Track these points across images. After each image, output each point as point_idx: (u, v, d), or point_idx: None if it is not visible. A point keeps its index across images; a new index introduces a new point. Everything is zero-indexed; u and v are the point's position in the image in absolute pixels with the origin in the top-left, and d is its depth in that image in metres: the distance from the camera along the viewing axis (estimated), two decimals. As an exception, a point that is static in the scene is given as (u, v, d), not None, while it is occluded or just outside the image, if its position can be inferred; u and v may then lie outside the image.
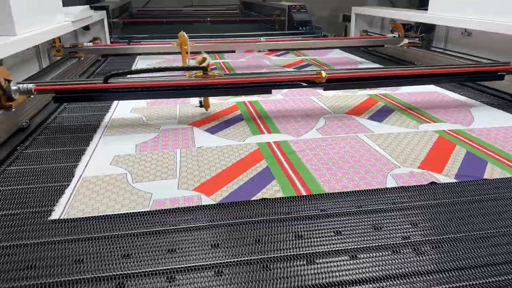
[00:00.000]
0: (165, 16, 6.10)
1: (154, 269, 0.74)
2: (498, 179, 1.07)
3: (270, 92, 1.64)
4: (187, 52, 2.11)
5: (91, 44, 2.81)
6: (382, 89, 2.02)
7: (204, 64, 1.53)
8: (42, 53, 2.15)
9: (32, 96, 1.49)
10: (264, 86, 1.60)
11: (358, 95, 1.92)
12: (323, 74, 1.53)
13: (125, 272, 0.73)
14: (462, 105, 1.75)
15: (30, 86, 1.41)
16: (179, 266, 0.75)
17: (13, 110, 1.39)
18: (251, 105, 1.79)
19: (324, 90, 1.72)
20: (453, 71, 1.67)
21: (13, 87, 1.38)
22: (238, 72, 2.19)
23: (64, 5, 2.23)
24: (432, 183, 1.05)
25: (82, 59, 2.61)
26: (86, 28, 3.02)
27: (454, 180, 1.07)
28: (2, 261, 0.76)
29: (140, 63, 2.85)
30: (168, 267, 0.74)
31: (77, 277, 0.72)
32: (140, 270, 0.74)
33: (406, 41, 2.70)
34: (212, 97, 1.89)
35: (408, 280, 0.70)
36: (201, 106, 1.67)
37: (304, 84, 1.60)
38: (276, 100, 1.87)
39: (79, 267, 0.75)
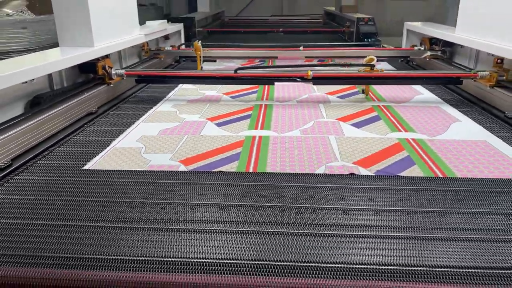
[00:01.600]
0: (251, 25, 6.69)
1: (128, 200, 1.20)
2: (407, 177, 1.32)
3: (273, 84, 2.32)
4: (200, 57, 2.70)
5: (170, 48, 3.51)
6: (389, 101, 2.25)
7: (373, 63, 2.21)
8: (123, 57, 2.80)
9: (124, 78, 2.34)
10: (268, 79, 2.25)
11: (362, 105, 2.18)
12: (310, 73, 2.08)
13: (114, 200, 1.20)
14: (449, 119, 1.92)
15: (122, 71, 2.29)
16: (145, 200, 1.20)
17: (112, 85, 2.28)
18: (264, 107, 2.17)
19: (313, 84, 2.30)
20: (422, 75, 2.01)
21: (113, 72, 2.25)
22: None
23: (165, 15, 2.91)
24: (351, 174, 1.35)
25: (162, 59, 3.30)
26: (166, 37, 3.68)
27: (372, 174, 1.35)
28: (51, 186, 1.29)
29: (205, 66, 3.40)
30: (136, 200, 1.20)
31: (86, 199, 1.21)
32: (124, 200, 1.20)
33: (428, 53, 2.98)
34: (236, 100, 2.33)
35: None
36: (363, 92, 2.34)
37: (299, 79, 2.16)
38: (288, 105, 2.22)
39: (89, 194, 1.24)
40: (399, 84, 2.40)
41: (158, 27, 3.07)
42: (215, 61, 3.59)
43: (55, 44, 4.58)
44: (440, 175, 1.34)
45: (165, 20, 3.41)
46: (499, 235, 1.01)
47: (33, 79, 1.69)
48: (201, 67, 3.05)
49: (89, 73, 2.27)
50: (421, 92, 2.42)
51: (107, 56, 2.31)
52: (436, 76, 2.32)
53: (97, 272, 0.89)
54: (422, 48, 3.14)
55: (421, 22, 3.58)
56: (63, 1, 2.05)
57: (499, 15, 2.15)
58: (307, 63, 3.24)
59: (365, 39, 4.57)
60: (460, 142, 1.63)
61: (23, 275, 0.89)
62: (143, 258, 0.93)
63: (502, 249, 0.95)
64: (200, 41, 2.81)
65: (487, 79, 2.15)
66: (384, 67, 3.19)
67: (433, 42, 3.08)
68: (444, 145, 1.59)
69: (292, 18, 7.99)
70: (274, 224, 1.07)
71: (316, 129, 1.81)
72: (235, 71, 2.30)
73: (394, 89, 2.48)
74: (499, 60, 2.18)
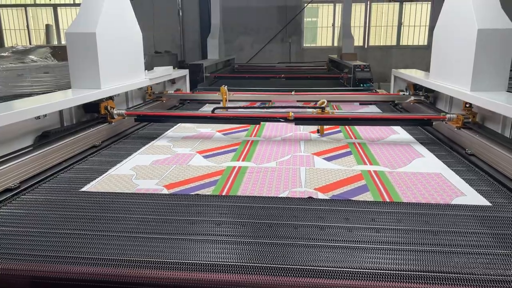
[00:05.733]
0: (258, 71, 7.09)
1: (114, 215, 1.41)
2: (357, 200, 1.51)
3: (259, 123, 2.56)
4: (226, 100, 3.06)
5: (173, 92, 3.83)
6: (365, 139, 2.45)
7: (323, 106, 2.47)
8: (130, 98, 3.11)
9: (125, 118, 2.59)
10: (255, 119, 2.50)
11: (339, 142, 2.39)
12: (291, 114, 2.32)
13: (103, 215, 1.42)
14: (414, 155, 2.11)
15: (123, 111, 2.55)
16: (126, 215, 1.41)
17: (113, 124, 2.52)
18: (251, 143, 2.39)
19: (295, 124, 2.54)
20: (397, 117, 2.23)
21: (115, 111, 2.50)
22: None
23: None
24: (309, 197, 1.54)
25: (164, 101, 3.60)
26: (173, 81, 4.02)
27: (327, 198, 1.54)
28: (51, 204, 1.52)
29: (205, 107, 3.68)
30: (120, 215, 1.41)
31: (79, 214, 1.43)
32: (110, 215, 1.41)
33: (412, 98, 3.27)
34: (227, 136, 2.57)
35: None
36: (318, 132, 2.56)
37: (282, 120, 2.39)
38: (272, 141, 2.44)
39: (83, 210, 1.46)
40: (376, 125, 2.61)
41: (163, 72, 3.40)
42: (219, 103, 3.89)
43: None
44: (388, 200, 1.52)
45: (171, 66, 3.75)
46: (420, 246, 1.18)
47: (45, 115, 1.97)
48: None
49: (93, 112, 2.53)
50: (397, 132, 2.62)
51: (110, 98, 2.58)
52: (410, 118, 2.57)
53: (84, 267, 1.11)
54: (407, 93, 3.40)
55: (407, 69, 3.84)
56: (77, 53, 2.41)
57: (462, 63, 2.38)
58: (279, 104, 3.52)
59: (361, 84, 4.85)
60: (416, 174, 1.81)
61: (21, 268, 1.12)
62: (122, 258, 1.14)
63: (416, 256, 1.12)
64: (226, 86, 3.15)
65: (455, 121, 2.35)
66: (371, 111, 3.45)
67: (417, 88, 3.32)
68: (401, 176, 1.78)
69: (298, 65, 8.39)
70: (233, 236, 1.27)
71: (291, 161, 2.02)
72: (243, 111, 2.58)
73: (373, 129, 2.68)
74: (468, 104, 2.36)
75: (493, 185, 1.68)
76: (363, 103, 3.75)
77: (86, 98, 2.25)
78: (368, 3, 9.79)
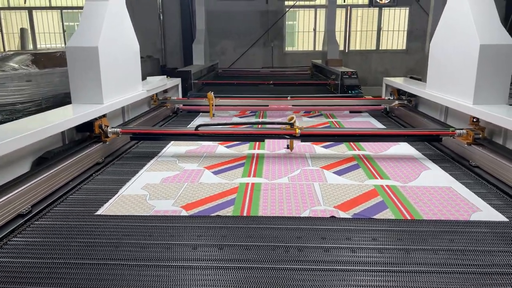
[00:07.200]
0: (243, 76, 7.08)
1: (136, 241, 1.38)
2: (380, 219, 1.52)
3: (263, 141, 2.56)
4: (212, 105, 3.14)
5: (175, 98, 3.88)
6: (368, 151, 2.49)
7: (292, 122, 2.37)
8: (126, 111, 3.04)
9: (119, 135, 2.43)
10: (259, 136, 2.50)
11: (344, 154, 2.41)
12: (297, 130, 2.26)
13: (124, 241, 1.38)
14: (420, 167, 2.15)
15: (118, 129, 2.39)
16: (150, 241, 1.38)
17: (107, 143, 2.35)
18: (256, 156, 2.39)
19: (301, 142, 2.51)
20: (405, 133, 2.26)
21: (109, 130, 2.34)
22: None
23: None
24: (332, 217, 1.55)
25: (168, 107, 3.74)
26: (165, 91, 3.97)
27: (348, 217, 1.55)
28: (69, 230, 1.47)
29: (199, 117, 3.65)
30: (143, 242, 1.38)
31: (100, 241, 1.38)
32: (132, 242, 1.38)
33: (396, 102, 3.58)
34: (230, 149, 2.55)
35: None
36: (288, 147, 2.46)
37: (287, 136, 2.34)
38: (278, 154, 2.44)
39: (103, 237, 1.41)
40: (383, 141, 2.57)
41: (158, 83, 3.36)
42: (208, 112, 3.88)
43: (55, 95, 4.88)
44: (409, 218, 1.54)
45: (165, 76, 3.71)
46: (454, 268, 1.20)
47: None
48: (213, 114, 3.55)
49: (86, 132, 2.32)
50: (398, 143, 2.66)
51: (104, 116, 2.41)
52: (418, 134, 2.52)
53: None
54: (392, 98, 3.72)
55: (396, 78, 3.97)
56: (79, 67, 2.34)
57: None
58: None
59: (349, 91, 4.91)
60: (428, 188, 1.85)
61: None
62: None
63: (455, 280, 1.14)
64: (212, 92, 3.14)
65: (465, 137, 2.28)
66: (367, 120, 3.49)
67: (400, 93, 3.66)
68: (414, 191, 1.81)
69: (282, 70, 8.43)
70: (264, 261, 1.25)
71: (302, 176, 2.02)
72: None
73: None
74: (474, 119, 2.30)
75: (504, 199, 1.73)
76: (354, 109, 3.82)
77: (92, 114, 2.19)
78: (349, 8, 9.94)
